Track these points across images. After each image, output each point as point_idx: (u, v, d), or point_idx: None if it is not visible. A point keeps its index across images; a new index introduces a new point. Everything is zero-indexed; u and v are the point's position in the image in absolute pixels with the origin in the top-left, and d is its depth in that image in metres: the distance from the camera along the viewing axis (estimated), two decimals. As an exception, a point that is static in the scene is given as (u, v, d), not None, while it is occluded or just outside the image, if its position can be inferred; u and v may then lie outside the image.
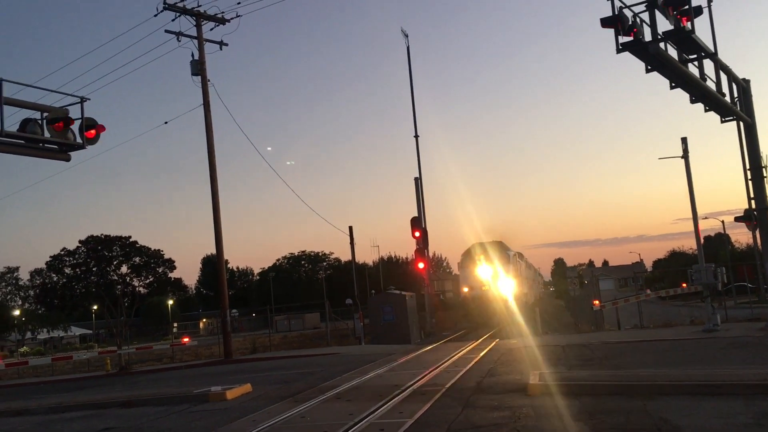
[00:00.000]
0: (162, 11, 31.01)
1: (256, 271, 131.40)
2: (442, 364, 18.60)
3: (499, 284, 41.73)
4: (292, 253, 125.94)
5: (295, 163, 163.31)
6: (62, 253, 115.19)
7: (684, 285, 32.13)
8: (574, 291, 56.49)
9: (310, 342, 40.17)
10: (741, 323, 25.76)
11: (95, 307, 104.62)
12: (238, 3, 32.69)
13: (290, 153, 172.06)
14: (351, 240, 41.30)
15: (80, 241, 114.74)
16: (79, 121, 14.80)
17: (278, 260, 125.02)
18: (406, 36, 35.01)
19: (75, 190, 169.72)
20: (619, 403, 10.85)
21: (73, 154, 15.42)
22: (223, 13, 32.32)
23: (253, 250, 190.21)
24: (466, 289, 44.10)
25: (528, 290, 57.52)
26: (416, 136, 38.03)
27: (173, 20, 31.39)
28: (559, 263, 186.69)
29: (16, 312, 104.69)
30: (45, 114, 14.62)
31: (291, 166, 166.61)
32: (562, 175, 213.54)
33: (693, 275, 25.00)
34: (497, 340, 26.32)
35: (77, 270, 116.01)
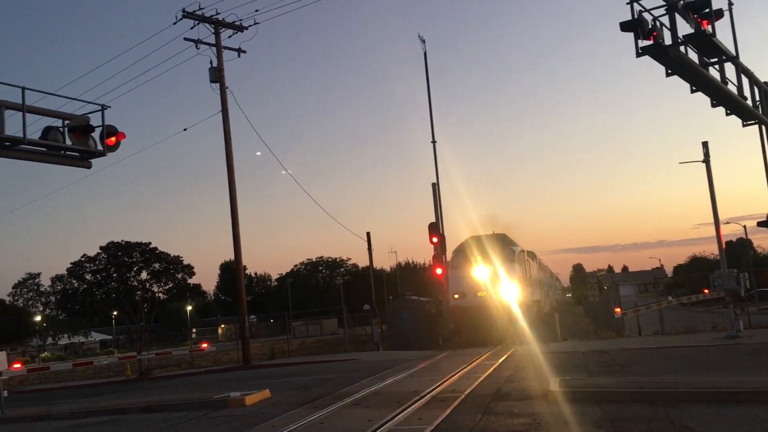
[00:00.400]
0: (181, 19, 31.32)
1: (274, 276, 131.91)
2: (461, 370, 18.51)
3: (501, 289, 31.11)
4: (309, 259, 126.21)
5: (311, 169, 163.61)
6: (83, 259, 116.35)
7: (706, 291, 31.76)
8: (594, 297, 56.12)
9: (328, 348, 40.17)
10: (764, 329, 25.41)
11: (115, 313, 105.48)
12: (256, 11, 32.99)
13: (307, 158, 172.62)
14: (368, 246, 41.29)
15: (101, 248, 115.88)
16: (100, 128, 14.96)
17: (296, 266, 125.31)
18: (423, 41, 34.90)
19: (96, 197, 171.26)
20: (641, 411, 10.73)
21: (93, 161, 15.59)
22: (241, 20, 32.54)
23: (270, 256, 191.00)
24: (456, 296, 32.15)
25: (542, 296, 48.34)
26: (433, 142, 37.61)
27: (192, 28, 31.68)
28: (578, 269, 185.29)
29: (38, 318, 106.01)
30: (66, 122, 14.79)
31: (310, 172, 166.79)
32: (581, 179, 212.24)
33: (715, 281, 24.70)
34: (516, 346, 26.16)
35: (98, 276, 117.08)
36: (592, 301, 54.98)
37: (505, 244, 34.41)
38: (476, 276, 31.70)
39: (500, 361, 20.52)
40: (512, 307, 30.11)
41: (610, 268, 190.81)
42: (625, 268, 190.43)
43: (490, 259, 31.80)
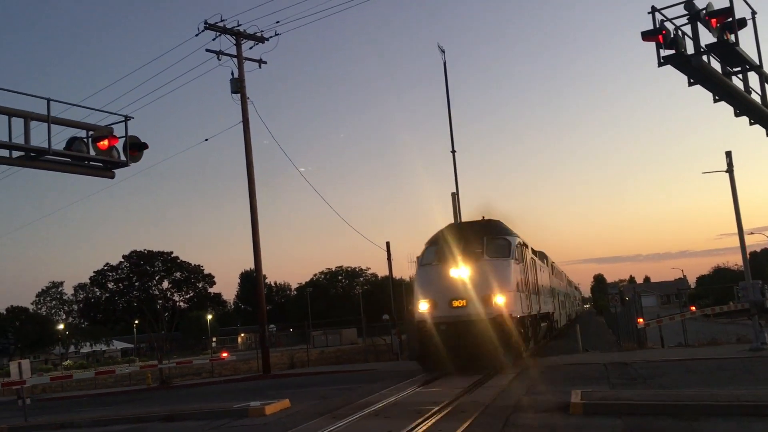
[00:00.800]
0: (203, 31, 31.67)
1: (294, 285, 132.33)
2: (481, 380, 18.39)
3: (491, 297, 21.81)
4: (329, 269, 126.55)
5: (331, 178, 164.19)
6: (105, 268, 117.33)
7: (730, 303, 31.34)
8: (615, 308, 54.99)
9: (347, 357, 40.17)
10: (790, 342, 24.96)
11: (137, 322, 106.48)
12: (277, 22, 33.27)
13: (327, 167, 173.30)
14: (388, 255, 41.21)
15: (123, 257, 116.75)
16: (123, 139, 15.13)
17: (315, 275, 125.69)
18: (443, 51, 34.87)
19: (118, 207, 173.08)
20: (664, 424, 10.60)
21: (117, 171, 15.77)
22: (262, 32, 32.84)
23: (290, 265, 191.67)
24: (422, 307, 22.55)
25: (557, 307, 40.05)
26: (453, 152, 37.51)
27: (214, 39, 32.01)
28: (599, 279, 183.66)
29: (61, 326, 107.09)
30: (90, 132, 14.97)
31: (329, 182, 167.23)
32: (602, 189, 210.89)
33: (740, 292, 24.39)
34: (537, 358, 25.96)
35: (120, 285, 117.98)
36: (613, 312, 53.98)
37: (497, 233, 24.37)
38: (453, 278, 22.18)
39: (521, 372, 20.36)
40: (505, 322, 21.33)
41: (632, 279, 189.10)
42: (647, 279, 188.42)
43: (474, 253, 22.63)
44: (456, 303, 21.73)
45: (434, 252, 23.57)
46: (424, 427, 11.63)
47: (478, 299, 21.47)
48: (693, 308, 39.12)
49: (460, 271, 21.99)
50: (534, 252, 30.89)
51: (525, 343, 22.82)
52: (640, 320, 29.43)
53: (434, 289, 22.38)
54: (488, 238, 23.21)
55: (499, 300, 21.37)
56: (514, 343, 21.34)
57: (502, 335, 20.87)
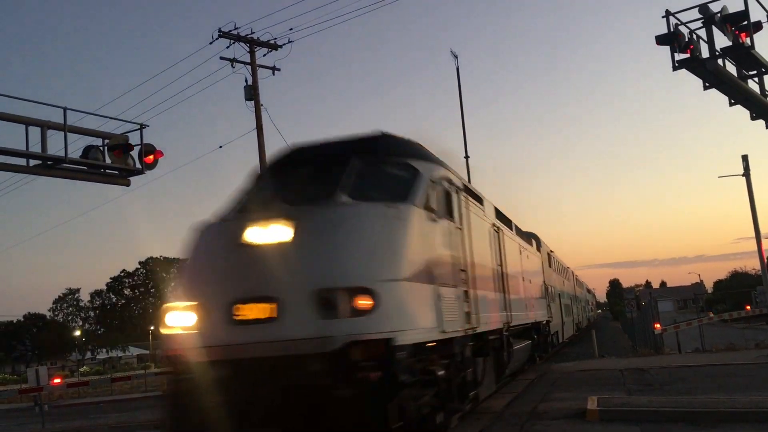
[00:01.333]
0: (217, 39, 31.80)
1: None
2: (495, 386, 18.28)
3: (358, 300, 7.80)
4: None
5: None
6: (122, 274, 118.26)
7: (748, 308, 31.05)
8: (631, 312, 54.42)
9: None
10: (809, 347, 24.70)
11: (152, 328, 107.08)
12: (290, 29, 33.36)
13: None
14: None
15: (140, 263, 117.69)
16: (139, 147, 15.28)
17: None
18: (456, 57, 34.75)
19: (134, 214, 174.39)
20: (682, 431, 10.49)
21: (132, 178, 15.91)
22: (275, 39, 32.92)
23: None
24: (178, 323, 8.58)
25: (558, 313, 31.14)
26: (467, 157, 37.47)
27: (228, 47, 32.12)
28: (614, 284, 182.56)
29: (77, 332, 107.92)
30: (106, 141, 15.14)
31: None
32: (618, 194, 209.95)
33: (758, 297, 24.28)
34: (553, 363, 25.81)
35: (136, 291, 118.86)
36: (629, 317, 53.46)
37: (384, 153, 10.36)
38: (251, 251, 8.50)
39: (536, 377, 20.25)
40: (376, 356, 7.60)
41: (648, 284, 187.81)
42: (663, 284, 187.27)
43: (319, 195, 9.34)
44: (248, 311, 8.25)
45: (240, 200, 10.52)
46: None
47: (308, 301, 7.99)
48: (711, 314, 38.74)
49: (271, 234, 8.53)
50: (508, 222, 18.53)
51: (458, 398, 10.62)
52: (657, 325, 29.20)
53: (208, 278, 8.92)
54: (359, 162, 9.75)
55: (369, 300, 7.84)
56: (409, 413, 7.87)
57: (364, 399, 7.43)
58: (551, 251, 33.18)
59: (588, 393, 14.89)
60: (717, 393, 13.91)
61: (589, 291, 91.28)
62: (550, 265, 30.32)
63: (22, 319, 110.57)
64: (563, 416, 12.75)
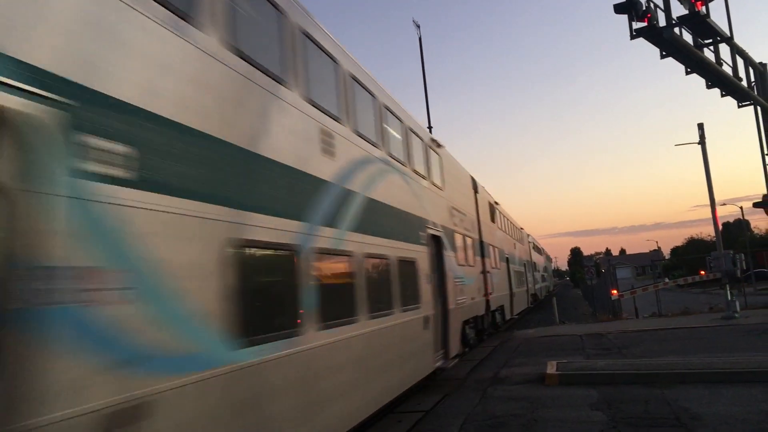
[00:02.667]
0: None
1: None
2: (459, 354, 18.53)
3: None
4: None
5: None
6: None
7: (702, 273, 31.84)
8: (591, 280, 55.32)
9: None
10: (761, 310, 25.51)
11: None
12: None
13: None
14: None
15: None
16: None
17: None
18: (418, 27, 34.54)
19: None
20: (638, 392, 10.79)
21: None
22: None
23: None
24: None
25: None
26: (430, 127, 37.42)
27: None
28: (575, 252, 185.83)
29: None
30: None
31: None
32: (577, 164, 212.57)
33: (711, 262, 24.80)
34: (515, 330, 26.21)
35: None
36: (589, 284, 54.36)
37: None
38: None
39: (499, 344, 20.59)
40: None
41: (608, 251, 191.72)
42: (622, 251, 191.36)
43: None
44: None
45: None
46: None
47: None
48: (666, 279, 39.70)
49: None
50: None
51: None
52: (614, 292, 29.82)
53: None
54: None
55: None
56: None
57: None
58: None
59: (548, 358, 15.21)
60: (672, 355, 14.31)
61: (549, 258, 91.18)
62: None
63: None
64: (524, 381, 13.01)
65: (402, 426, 9.79)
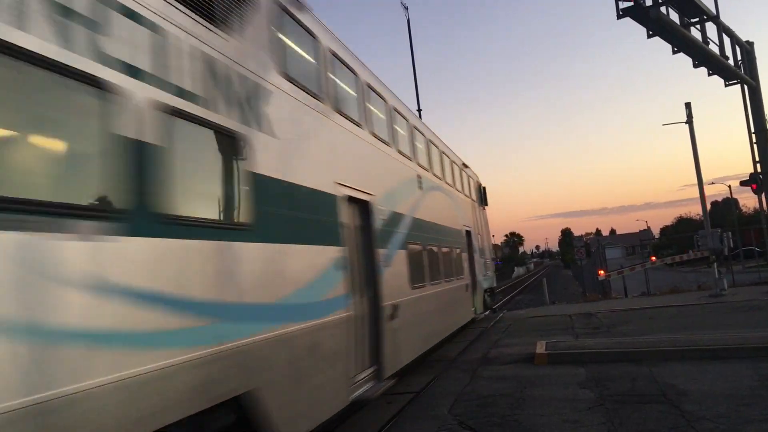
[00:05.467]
0: None
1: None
2: (449, 335, 18.63)
3: None
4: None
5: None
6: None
7: (687, 251, 32.08)
8: (581, 260, 55.53)
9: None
10: (748, 287, 25.77)
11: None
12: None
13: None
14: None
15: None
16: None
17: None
18: (406, 8, 34.39)
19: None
20: (625, 370, 10.90)
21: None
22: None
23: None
24: None
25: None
26: (419, 110, 37.29)
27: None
28: (566, 233, 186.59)
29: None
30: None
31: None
32: (566, 145, 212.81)
33: (699, 241, 25.01)
34: (505, 311, 26.38)
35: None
36: (579, 264, 54.66)
37: None
38: None
39: (489, 325, 20.71)
40: None
41: (598, 232, 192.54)
42: (612, 231, 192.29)
43: None
44: None
45: None
46: (393, 381, 11.78)
47: None
48: (653, 258, 39.95)
49: None
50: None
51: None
52: (601, 272, 30.04)
53: None
54: None
55: None
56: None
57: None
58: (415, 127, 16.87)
59: (538, 338, 15.34)
60: (659, 333, 14.45)
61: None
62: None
63: None
64: (513, 361, 13.11)
65: (392, 408, 9.86)
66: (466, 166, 20.77)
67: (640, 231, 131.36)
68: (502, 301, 35.50)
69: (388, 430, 8.68)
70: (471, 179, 21.81)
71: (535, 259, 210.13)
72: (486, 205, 24.09)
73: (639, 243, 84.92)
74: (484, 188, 24.05)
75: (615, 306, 23.44)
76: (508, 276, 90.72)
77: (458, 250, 17.21)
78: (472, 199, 21.58)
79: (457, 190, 18.44)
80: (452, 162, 18.18)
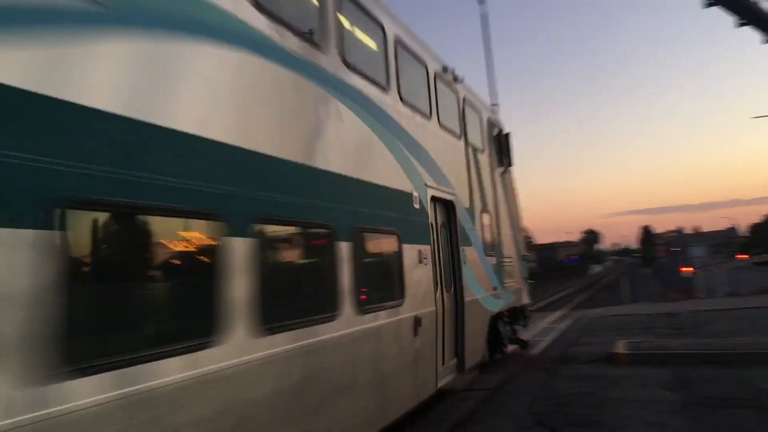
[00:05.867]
0: None
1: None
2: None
3: None
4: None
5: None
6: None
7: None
8: (662, 259, 53.75)
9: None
10: None
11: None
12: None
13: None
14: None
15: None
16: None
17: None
18: (482, 2, 33.93)
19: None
20: (711, 372, 10.55)
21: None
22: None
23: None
24: None
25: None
26: (496, 105, 36.67)
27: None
28: (646, 230, 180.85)
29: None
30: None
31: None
32: (648, 140, 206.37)
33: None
34: (583, 310, 25.89)
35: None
36: (661, 263, 52.86)
37: None
38: None
39: (567, 324, 20.38)
40: None
41: (680, 230, 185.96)
42: (697, 229, 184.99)
43: None
44: None
45: None
46: (469, 379, 11.77)
47: None
48: (738, 256, 38.34)
49: None
50: None
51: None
52: (685, 269, 29.07)
53: None
54: None
55: None
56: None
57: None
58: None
59: (617, 338, 14.99)
60: (747, 335, 13.89)
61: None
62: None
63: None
64: (593, 360, 12.87)
65: (469, 404, 9.85)
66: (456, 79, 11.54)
67: (726, 229, 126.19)
68: (576, 301, 34.76)
69: (466, 424, 8.68)
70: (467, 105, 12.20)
71: (614, 257, 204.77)
72: (510, 165, 14.92)
73: (725, 242, 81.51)
74: (507, 135, 14.88)
75: (699, 306, 22.64)
76: (581, 274, 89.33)
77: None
78: (467, 141, 11.87)
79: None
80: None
